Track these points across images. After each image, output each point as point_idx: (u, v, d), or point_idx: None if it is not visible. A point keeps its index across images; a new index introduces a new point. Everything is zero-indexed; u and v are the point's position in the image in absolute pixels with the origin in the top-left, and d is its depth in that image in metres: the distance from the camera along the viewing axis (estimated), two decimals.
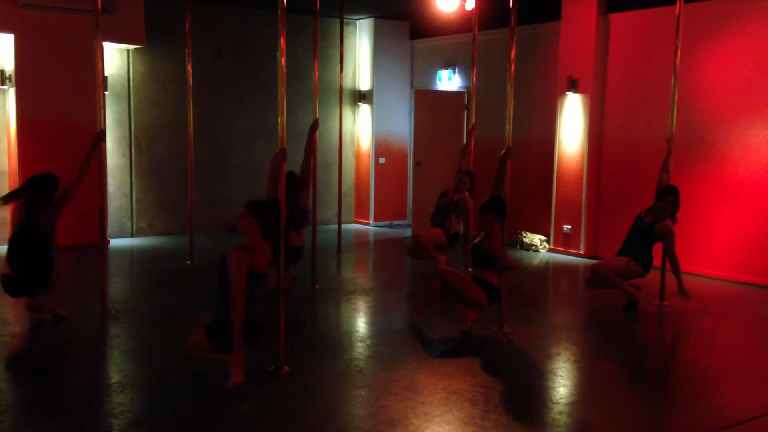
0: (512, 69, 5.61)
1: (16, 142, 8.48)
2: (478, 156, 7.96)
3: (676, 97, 6.55)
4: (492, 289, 5.44)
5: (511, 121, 5.65)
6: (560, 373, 4.81)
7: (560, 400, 4.25)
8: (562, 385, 4.53)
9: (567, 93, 8.89)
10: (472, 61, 7.42)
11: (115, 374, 4.66)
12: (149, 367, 4.77)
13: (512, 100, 5.63)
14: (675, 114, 6.56)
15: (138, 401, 4.13)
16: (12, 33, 8.26)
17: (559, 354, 5.18)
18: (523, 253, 9.20)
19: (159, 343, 5.33)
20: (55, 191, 5.57)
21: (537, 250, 9.28)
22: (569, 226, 9.00)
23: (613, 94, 8.69)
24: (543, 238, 9.34)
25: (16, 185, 8.54)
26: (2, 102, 8.66)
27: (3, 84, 8.53)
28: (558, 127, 9.08)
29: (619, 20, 8.56)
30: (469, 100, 10.25)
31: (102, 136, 5.81)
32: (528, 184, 9.57)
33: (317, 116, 7.08)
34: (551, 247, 9.25)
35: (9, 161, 8.73)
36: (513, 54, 5.59)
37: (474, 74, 7.35)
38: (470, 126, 7.54)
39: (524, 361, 5.03)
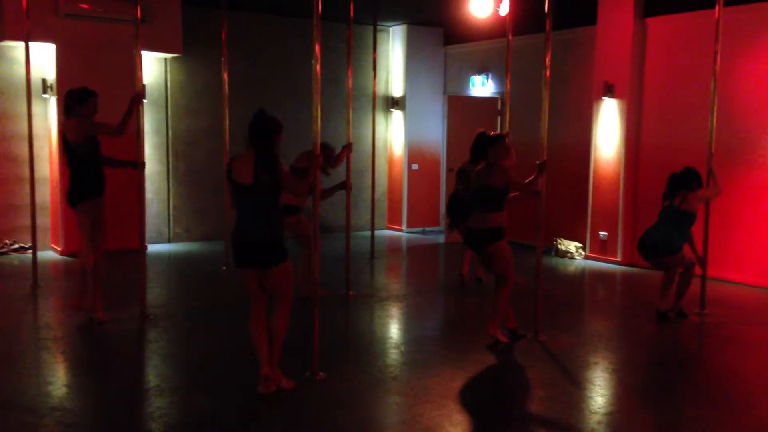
0: (547, 74, 5.57)
1: (57, 150, 8.67)
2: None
3: (715, 103, 6.43)
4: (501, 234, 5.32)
5: (546, 127, 5.61)
6: (598, 382, 4.74)
7: (598, 410, 4.19)
8: (600, 395, 4.46)
9: (603, 98, 8.79)
10: (506, 67, 7.38)
11: (153, 378, 4.72)
12: (187, 372, 4.83)
13: (547, 106, 5.59)
14: (714, 119, 6.44)
15: (176, 405, 4.17)
16: (54, 43, 8.46)
17: (596, 363, 5.10)
18: (558, 260, 9.11)
19: (196, 347, 5.39)
20: (79, 103, 5.68)
21: (572, 257, 9.17)
22: (606, 233, 8.88)
23: (650, 99, 8.57)
24: (578, 245, 9.23)
25: (57, 192, 8.74)
26: (44, 110, 8.86)
27: (45, 93, 8.73)
28: (594, 132, 8.98)
29: (657, 24, 8.44)
30: (502, 105, 10.20)
31: (138, 98, 5.82)
32: (563, 190, 9.47)
33: (350, 121, 7.11)
34: (587, 254, 9.13)
35: (50, 168, 8.93)
36: (548, 59, 5.55)
37: (508, 80, 7.30)
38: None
39: (561, 369, 4.96)
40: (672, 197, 6.23)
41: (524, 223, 9.22)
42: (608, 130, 8.83)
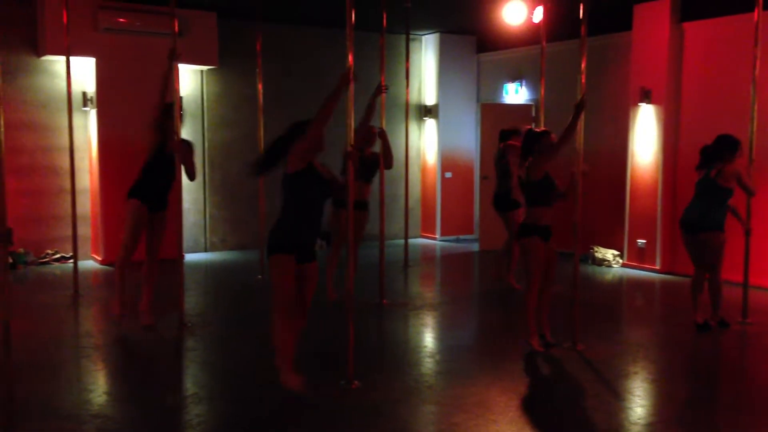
0: (583, 80, 5.51)
1: (97, 161, 8.85)
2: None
3: (755, 107, 6.30)
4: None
5: (582, 133, 5.55)
6: (637, 392, 4.65)
7: (638, 421, 4.11)
8: (639, 406, 4.38)
9: (640, 104, 8.67)
10: (540, 73, 7.33)
11: (192, 385, 4.78)
12: (224, 379, 4.87)
13: (583, 112, 5.53)
14: (754, 125, 6.30)
15: (213, 413, 4.21)
16: (93, 57, 8.66)
17: (636, 373, 5.01)
18: (595, 268, 8.99)
19: (233, 355, 5.44)
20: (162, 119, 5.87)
21: (610, 266, 9.04)
22: (644, 241, 8.74)
23: (688, 104, 8.42)
24: (616, 252, 9.10)
25: (97, 203, 8.92)
26: (84, 123, 9.06)
27: (85, 105, 8.93)
28: (631, 138, 8.86)
29: (694, 29, 8.31)
30: (537, 112, 10.13)
31: (171, 69, 5.91)
32: (600, 197, 9.35)
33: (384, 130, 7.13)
34: (624, 262, 8.99)
35: (90, 179, 9.11)
36: (583, 65, 5.50)
37: (542, 86, 7.25)
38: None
39: (599, 379, 4.89)
40: (708, 169, 6.01)
41: (560, 231, 9.12)
42: (645, 137, 8.70)
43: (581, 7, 5.51)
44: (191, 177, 6.04)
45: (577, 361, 5.21)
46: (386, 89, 7.00)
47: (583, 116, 5.49)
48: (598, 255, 9.16)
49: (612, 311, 7.06)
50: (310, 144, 4.29)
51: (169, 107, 5.86)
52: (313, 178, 4.33)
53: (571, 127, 5.29)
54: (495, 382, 4.72)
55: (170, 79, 5.88)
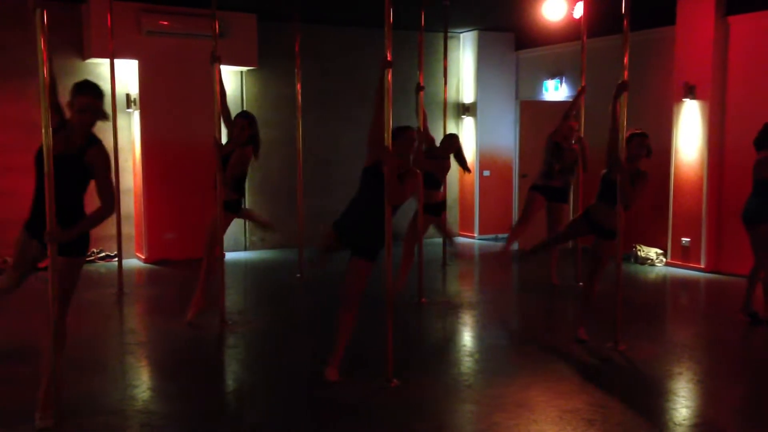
0: (625, 76, 5.42)
1: (140, 162, 9.03)
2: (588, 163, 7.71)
3: None
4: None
5: (624, 130, 5.46)
6: (682, 393, 4.56)
7: (683, 422, 4.03)
8: (684, 407, 4.29)
9: (684, 100, 8.49)
10: (581, 70, 7.24)
11: (233, 382, 4.84)
12: (264, 377, 4.92)
13: (625, 109, 5.45)
14: None
15: (254, 409, 4.26)
16: (136, 59, 8.83)
17: (680, 373, 4.91)
18: (638, 267, 8.83)
19: (273, 353, 5.49)
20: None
21: (653, 264, 8.87)
22: (688, 239, 8.55)
23: (734, 99, 8.21)
24: (659, 251, 8.92)
25: (140, 203, 9.09)
26: (128, 124, 9.25)
27: (129, 107, 9.12)
28: (674, 135, 8.68)
29: (740, 23, 8.10)
30: (577, 109, 9.98)
31: (216, 59, 6.00)
32: (642, 195, 9.16)
33: (421, 129, 7.12)
34: (668, 260, 8.81)
35: (134, 179, 9.30)
36: (626, 60, 5.41)
37: (582, 83, 7.16)
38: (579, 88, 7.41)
39: (642, 380, 4.80)
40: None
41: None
42: (690, 133, 8.51)
43: (624, 1, 5.41)
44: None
45: (620, 362, 5.13)
46: (422, 89, 7.00)
47: (624, 113, 5.41)
48: (641, 253, 9.00)
49: (655, 311, 6.93)
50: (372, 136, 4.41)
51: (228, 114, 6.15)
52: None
53: (614, 111, 5.39)
54: (535, 382, 4.67)
55: (219, 82, 6.04)
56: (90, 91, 3.86)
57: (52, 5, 3.86)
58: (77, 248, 3.86)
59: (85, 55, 8.81)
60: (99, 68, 8.94)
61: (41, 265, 3.95)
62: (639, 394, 4.54)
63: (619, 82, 5.35)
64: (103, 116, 3.93)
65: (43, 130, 3.69)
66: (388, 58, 4.55)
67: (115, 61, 7.54)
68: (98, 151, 3.87)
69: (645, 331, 5.93)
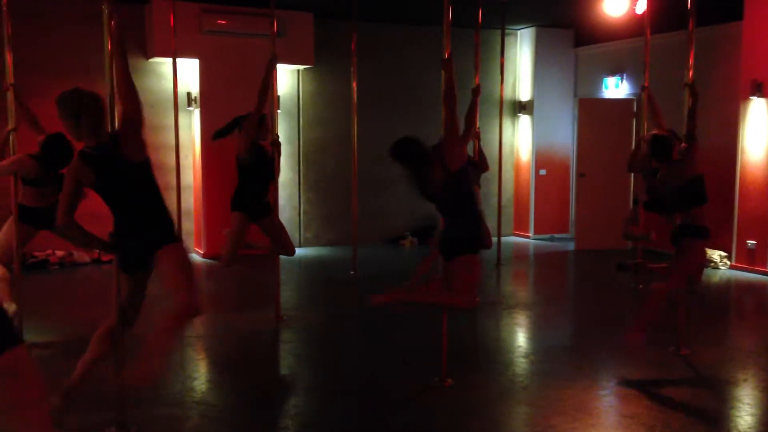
0: (690, 74, 5.27)
1: (200, 159, 9.22)
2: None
3: None
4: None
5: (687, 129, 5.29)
6: (747, 400, 4.41)
7: (748, 430, 3.89)
8: (749, 414, 4.14)
9: (751, 97, 8.19)
10: (643, 67, 7.05)
11: (288, 377, 4.90)
12: (319, 372, 4.97)
13: (688, 107, 5.28)
14: None
15: (309, 404, 4.31)
16: (197, 58, 9.02)
17: (745, 380, 4.74)
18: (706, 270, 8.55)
19: (328, 348, 5.54)
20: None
21: (716, 267, 8.60)
22: (754, 242, 8.25)
23: None
24: (723, 254, 8.64)
25: (200, 199, 9.29)
26: (189, 122, 9.46)
27: (189, 105, 9.32)
28: (741, 134, 8.38)
29: None
30: (638, 107, 9.75)
31: (274, 61, 5.99)
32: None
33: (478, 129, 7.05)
34: (733, 263, 8.52)
35: (194, 176, 9.51)
36: (691, 58, 5.25)
37: (645, 80, 6.98)
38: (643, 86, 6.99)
39: (705, 385, 4.66)
40: None
41: (664, 231, 8.75)
42: (757, 132, 8.21)
43: None
44: (275, 177, 6.11)
45: (682, 366, 4.99)
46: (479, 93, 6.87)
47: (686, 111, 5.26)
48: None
49: (719, 315, 6.72)
50: (447, 133, 4.23)
51: (263, 117, 5.93)
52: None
53: (694, 111, 5.13)
54: (593, 385, 4.58)
55: (269, 87, 5.94)
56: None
57: (119, 7, 3.94)
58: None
59: (148, 54, 9.04)
60: (161, 67, 9.17)
61: (105, 258, 4.04)
62: (701, 399, 4.41)
63: (686, 83, 5.17)
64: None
65: (109, 128, 3.77)
66: (446, 57, 4.51)
67: (177, 60, 7.71)
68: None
69: (708, 335, 5.75)
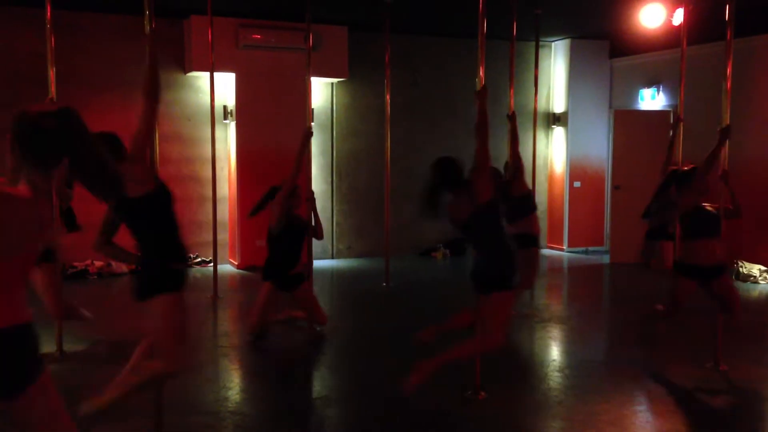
0: (728, 85, 5.19)
1: (236, 171, 9.35)
2: None
3: None
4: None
5: (727, 152, 5.23)
6: None
7: None
8: None
9: None
10: (680, 78, 6.96)
11: (322, 388, 4.92)
12: (352, 383, 4.98)
13: (728, 119, 5.21)
14: None
15: (342, 416, 4.32)
16: (233, 72, 9.17)
17: None
18: (740, 284, 8.39)
19: (360, 360, 5.55)
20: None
21: (756, 282, 8.41)
22: None
23: None
24: (763, 268, 8.45)
25: (234, 211, 9.41)
26: (225, 134, 9.60)
27: (225, 118, 9.47)
28: None
29: None
30: (675, 119, 9.62)
31: (309, 133, 6.06)
32: (746, 207, 8.68)
33: (510, 139, 7.02)
34: None
35: (229, 188, 9.63)
36: (729, 69, 5.18)
37: (681, 91, 6.89)
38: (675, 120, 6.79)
39: (744, 402, 4.56)
40: None
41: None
42: None
43: (727, 7, 5.19)
44: (319, 236, 6.11)
45: (720, 383, 4.89)
46: (515, 118, 6.80)
47: (728, 122, 5.18)
48: (743, 270, 8.55)
49: (759, 330, 6.56)
50: (478, 164, 4.16)
51: (295, 189, 5.89)
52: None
53: (715, 155, 5.11)
54: (629, 401, 4.51)
55: (302, 157, 5.95)
56: None
57: (159, 22, 4.02)
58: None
59: (186, 69, 9.22)
60: (198, 81, 9.33)
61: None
62: (740, 416, 4.32)
63: (722, 127, 5.15)
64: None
65: (150, 141, 3.85)
66: (481, 70, 4.51)
67: (214, 74, 7.84)
68: None
69: (747, 351, 5.62)
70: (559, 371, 5.21)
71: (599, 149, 11.05)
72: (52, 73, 5.32)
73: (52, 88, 5.31)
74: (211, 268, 7.85)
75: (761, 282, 8.39)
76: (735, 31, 5.30)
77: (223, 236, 9.47)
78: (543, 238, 11.25)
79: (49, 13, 5.31)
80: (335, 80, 9.87)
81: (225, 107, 9.43)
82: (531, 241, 6.46)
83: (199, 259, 9.42)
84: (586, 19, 9.66)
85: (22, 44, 8.42)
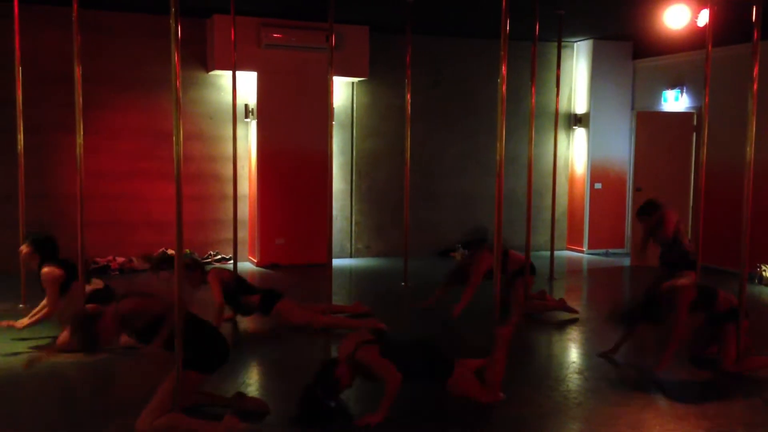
0: (755, 87, 5.13)
1: (256, 169, 9.41)
2: (710, 177, 7.32)
3: None
4: None
5: (753, 144, 5.16)
6: None
7: None
8: None
9: None
10: (704, 80, 6.90)
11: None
12: (370, 383, 4.97)
13: (754, 121, 5.15)
14: None
15: (361, 414, 4.33)
16: (255, 71, 9.22)
17: None
18: (763, 288, 8.29)
19: None
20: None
21: None
22: None
23: None
24: None
25: (254, 209, 9.47)
26: (246, 133, 9.66)
27: (247, 117, 9.53)
28: None
29: None
30: (699, 121, 9.54)
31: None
32: None
33: (532, 140, 7.01)
34: None
35: (249, 186, 9.70)
36: (756, 71, 5.12)
37: (706, 93, 6.83)
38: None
39: (766, 407, 4.50)
40: None
41: (725, 248, 8.54)
42: None
43: (753, 8, 5.13)
44: None
45: (742, 386, 4.83)
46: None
47: (754, 125, 5.12)
48: (766, 274, 8.45)
49: None
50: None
51: None
52: None
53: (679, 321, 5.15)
54: (649, 404, 4.48)
55: None
56: None
57: (183, 21, 4.07)
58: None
59: (208, 67, 9.29)
60: (220, 80, 9.40)
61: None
62: (762, 422, 4.26)
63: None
64: None
65: (174, 138, 3.90)
66: (503, 70, 4.51)
67: (236, 72, 7.90)
68: None
69: None
70: (578, 373, 5.19)
71: (621, 151, 10.98)
72: (78, 73, 5.39)
73: (79, 87, 5.38)
74: (231, 266, 7.90)
75: None
76: (762, 32, 5.24)
77: (243, 234, 9.54)
78: (563, 240, 11.20)
79: (75, 12, 5.38)
80: (356, 80, 9.89)
81: (246, 106, 9.48)
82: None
83: (219, 257, 9.49)
84: (608, 20, 9.60)
85: (48, 42, 8.54)
